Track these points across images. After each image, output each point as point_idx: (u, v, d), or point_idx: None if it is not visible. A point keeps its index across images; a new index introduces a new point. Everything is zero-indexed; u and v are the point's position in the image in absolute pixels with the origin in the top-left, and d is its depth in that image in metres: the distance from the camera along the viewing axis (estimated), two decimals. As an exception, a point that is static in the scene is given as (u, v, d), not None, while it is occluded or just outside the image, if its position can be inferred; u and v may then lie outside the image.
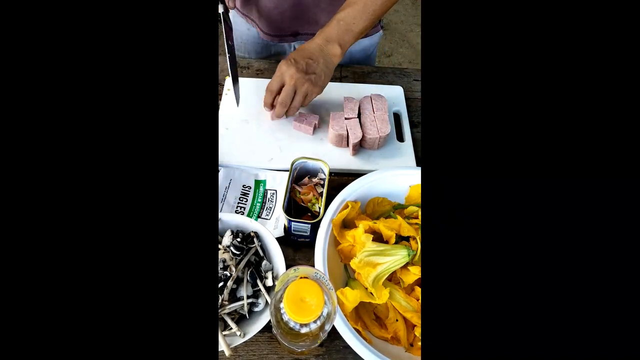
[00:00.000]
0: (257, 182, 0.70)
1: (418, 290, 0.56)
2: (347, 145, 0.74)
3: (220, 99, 0.81)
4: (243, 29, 0.94)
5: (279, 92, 0.73)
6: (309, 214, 0.64)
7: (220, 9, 0.73)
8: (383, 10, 0.74)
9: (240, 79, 0.84)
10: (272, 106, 0.75)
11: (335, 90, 0.81)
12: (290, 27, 0.88)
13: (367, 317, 0.57)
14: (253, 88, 0.83)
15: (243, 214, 0.66)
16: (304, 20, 0.87)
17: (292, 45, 0.96)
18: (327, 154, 0.74)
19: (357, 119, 0.74)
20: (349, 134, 0.72)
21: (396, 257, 0.55)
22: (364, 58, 0.97)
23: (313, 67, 0.71)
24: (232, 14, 0.93)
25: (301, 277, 0.45)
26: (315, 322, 0.44)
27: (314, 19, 0.87)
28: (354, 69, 0.91)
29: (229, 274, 0.54)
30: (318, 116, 0.77)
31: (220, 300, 0.53)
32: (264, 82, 0.83)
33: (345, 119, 0.74)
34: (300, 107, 0.74)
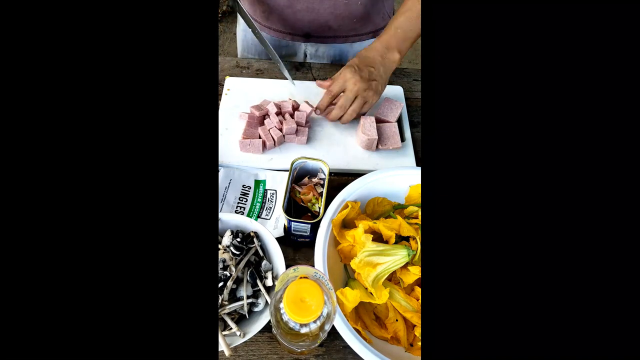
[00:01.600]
0: (257, 182, 0.70)
1: (418, 290, 0.56)
2: (377, 148, 0.75)
3: (220, 99, 0.81)
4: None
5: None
6: (309, 214, 0.64)
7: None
8: None
9: (240, 78, 0.84)
10: (324, 110, 0.76)
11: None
12: (302, 28, 0.89)
13: (367, 317, 0.57)
14: (253, 88, 0.83)
15: (243, 214, 0.66)
16: (316, 24, 0.87)
17: (302, 47, 0.95)
18: (327, 154, 0.74)
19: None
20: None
21: (396, 257, 0.55)
22: None
23: (374, 74, 0.73)
24: (239, 19, 0.94)
25: (301, 277, 0.45)
26: (315, 322, 0.44)
27: (326, 24, 0.87)
28: (354, 69, 0.91)
29: (228, 274, 0.54)
30: (307, 129, 0.77)
31: (220, 300, 0.53)
32: (263, 82, 0.84)
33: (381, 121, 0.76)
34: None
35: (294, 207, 0.64)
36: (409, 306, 0.55)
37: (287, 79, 0.83)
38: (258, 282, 0.55)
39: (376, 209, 0.65)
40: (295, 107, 0.78)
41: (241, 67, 0.89)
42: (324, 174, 0.65)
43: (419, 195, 0.64)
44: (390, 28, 0.75)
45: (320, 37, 0.91)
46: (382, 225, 0.58)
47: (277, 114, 0.76)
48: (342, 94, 0.73)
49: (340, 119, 0.76)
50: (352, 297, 0.52)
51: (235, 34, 1.04)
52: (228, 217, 0.60)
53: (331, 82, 0.75)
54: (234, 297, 0.54)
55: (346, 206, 0.60)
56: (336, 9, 0.84)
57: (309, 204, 0.64)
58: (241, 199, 0.68)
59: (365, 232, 0.57)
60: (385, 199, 0.65)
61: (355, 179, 0.64)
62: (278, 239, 0.59)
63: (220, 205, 0.66)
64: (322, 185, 0.64)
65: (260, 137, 0.73)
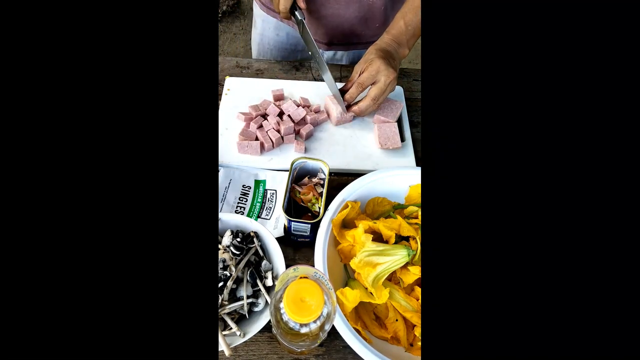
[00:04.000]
0: (257, 182, 0.70)
1: (418, 290, 0.56)
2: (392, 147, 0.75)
3: (220, 99, 0.81)
4: (271, 34, 0.94)
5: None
6: (309, 214, 0.64)
7: (299, 16, 0.76)
8: None
9: (240, 79, 0.84)
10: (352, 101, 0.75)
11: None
12: (326, 35, 0.89)
13: (367, 317, 0.57)
14: (253, 88, 0.83)
15: (243, 214, 0.66)
16: (340, 30, 0.87)
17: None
18: (327, 154, 0.74)
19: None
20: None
21: (396, 257, 0.55)
22: None
23: (396, 67, 0.74)
24: (263, 17, 0.93)
25: (301, 277, 0.45)
26: (315, 322, 0.44)
27: (350, 29, 0.87)
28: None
29: (228, 274, 0.54)
30: (305, 132, 0.76)
31: (220, 300, 0.53)
32: (263, 82, 0.84)
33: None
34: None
35: (294, 207, 0.64)
36: (409, 306, 0.55)
37: (332, 93, 0.79)
38: (258, 282, 0.55)
39: (376, 209, 0.65)
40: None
41: (241, 67, 0.89)
42: (324, 174, 0.65)
43: (419, 195, 0.64)
44: (400, 23, 0.75)
45: (343, 45, 0.91)
46: (382, 225, 0.58)
47: (277, 114, 0.76)
48: (372, 85, 0.73)
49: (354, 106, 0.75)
50: (352, 297, 0.52)
51: (235, 34, 1.05)
52: (228, 217, 0.60)
53: (357, 74, 0.74)
54: (234, 297, 0.54)
55: (346, 206, 0.60)
56: (361, 11, 0.83)
57: (309, 204, 0.64)
58: (241, 199, 0.68)
59: (365, 232, 0.57)
60: (385, 199, 0.65)
61: (355, 179, 0.64)
62: (278, 239, 0.59)
63: (220, 205, 0.66)
64: (322, 185, 0.64)
65: (257, 139, 0.73)
